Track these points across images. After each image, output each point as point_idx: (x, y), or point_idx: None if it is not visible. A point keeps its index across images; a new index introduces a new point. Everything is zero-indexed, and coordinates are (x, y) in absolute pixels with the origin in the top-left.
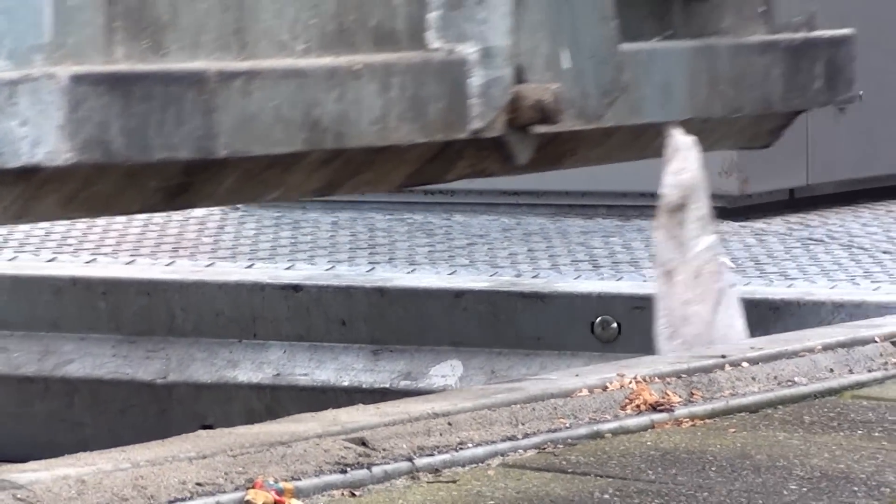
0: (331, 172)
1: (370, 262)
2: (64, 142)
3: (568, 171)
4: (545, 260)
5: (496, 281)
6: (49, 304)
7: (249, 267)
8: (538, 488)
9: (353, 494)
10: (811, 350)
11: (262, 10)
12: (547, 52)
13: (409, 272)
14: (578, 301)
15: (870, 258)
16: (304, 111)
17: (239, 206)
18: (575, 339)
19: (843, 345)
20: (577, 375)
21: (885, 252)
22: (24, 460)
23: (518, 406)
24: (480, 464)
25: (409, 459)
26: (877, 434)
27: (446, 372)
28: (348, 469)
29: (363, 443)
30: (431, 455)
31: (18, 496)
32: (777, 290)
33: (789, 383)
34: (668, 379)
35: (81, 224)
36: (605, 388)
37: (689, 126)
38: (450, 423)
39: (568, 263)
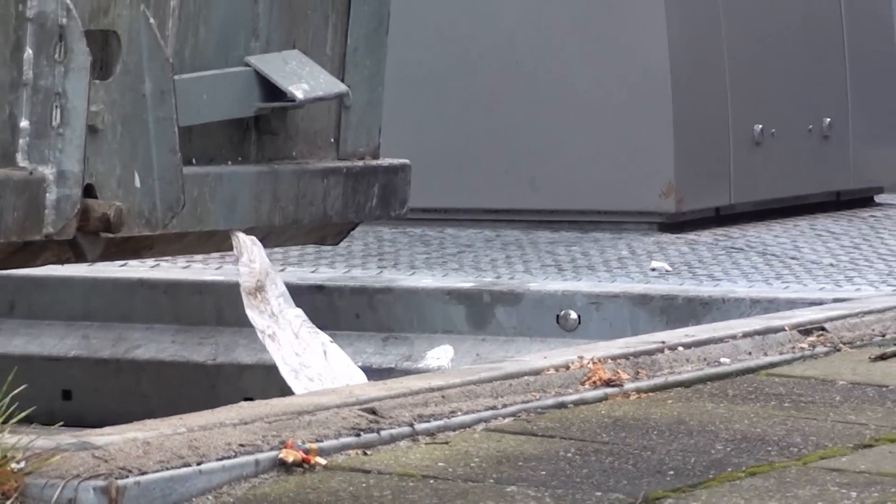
0: None
1: (379, 267)
2: None
3: (538, 194)
4: (520, 265)
5: (480, 281)
6: (122, 300)
7: (282, 270)
8: (514, 448)
9: (366, 453)
10: (734, 337)
11: None
12: (120, 174)
13: (410, 274)
14: (546, 298)
15: (780, 263)
16: None
17: None
18: (543, 328)
19: (759, 332)
20: (545, 357)
21: (792, 258)
22: (100, 427)
23: (498, 382)
24: (468, 429)
25: (411, 425)
26: (786, 405)
27: (440, 355)
28: (361, 433)
29: (373, 412)
30: (428, 422)
31: (96, 454)
32: (706, 289)
33: (716, 363)
34: (618, 360)
35: None
36: (567, 368)
37: (256, 231)
38: (443, 396)
39: (538, 268)
